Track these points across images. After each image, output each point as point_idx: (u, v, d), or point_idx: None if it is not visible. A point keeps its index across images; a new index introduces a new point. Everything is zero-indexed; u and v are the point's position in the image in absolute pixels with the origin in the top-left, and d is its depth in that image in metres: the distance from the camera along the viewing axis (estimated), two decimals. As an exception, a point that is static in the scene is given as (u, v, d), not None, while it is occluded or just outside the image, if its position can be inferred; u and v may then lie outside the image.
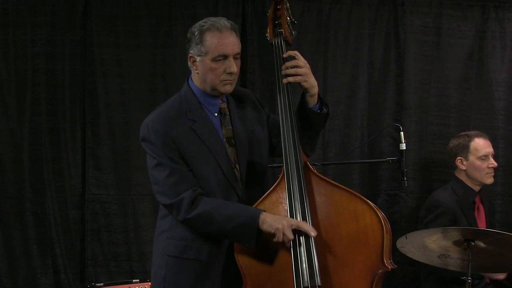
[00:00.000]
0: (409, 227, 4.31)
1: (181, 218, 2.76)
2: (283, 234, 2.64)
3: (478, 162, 4.20)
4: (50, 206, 4.38)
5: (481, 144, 4.21)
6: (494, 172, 4.23)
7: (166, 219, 2.86)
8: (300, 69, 2.80)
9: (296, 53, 2.84)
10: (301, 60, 2.82)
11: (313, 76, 2.83)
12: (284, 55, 2.85)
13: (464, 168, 4.24)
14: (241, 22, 4.52)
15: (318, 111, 2.88)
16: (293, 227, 2.66)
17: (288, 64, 2.81)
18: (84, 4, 4.43)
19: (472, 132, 4.28)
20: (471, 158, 4.21)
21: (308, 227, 2.66)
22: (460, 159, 4.25)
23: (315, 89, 2.84)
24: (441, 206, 4.15)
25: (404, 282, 4.64)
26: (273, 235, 2.66)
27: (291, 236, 2.65)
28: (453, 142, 4.29)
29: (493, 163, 4.20)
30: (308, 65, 2.83)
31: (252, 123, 2.94)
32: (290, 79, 2.81)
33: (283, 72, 2.82)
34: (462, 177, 4.25)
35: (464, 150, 4.23)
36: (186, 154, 2.78)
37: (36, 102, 4.39)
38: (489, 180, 4.22)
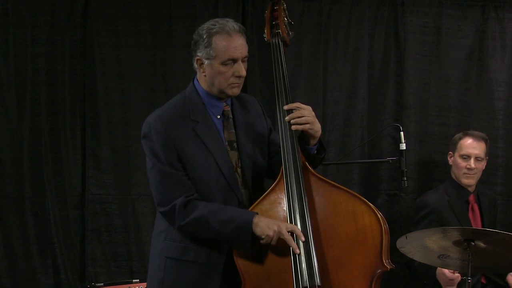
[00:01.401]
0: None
1: (176, 225, 2.77)
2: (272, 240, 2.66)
3: (458, 160, 4.21)
4: (50, 206, 4.39)
5: (466, 143, 4.21)
6: (472, 175, 4.19)
7: (164, 219, 2.85)
8: (309, 118, 2.79)
9: (299, 104, 2.82)
10: (306, 109, 2.81)
11: (317, 121, 2.83)
12: (285, 107, 2.82)
13: (450, 163, 4.29)
14: (241, 22, 4.50)
15: (315, 152, 2.88)
16: (282, 237, 2.65)
17: (293, 115, 2.78)
18: (84, 4, 4.43)
19: (471, 132, 4.29)
20: (456, 154, 4.23)
21: (299, 231, 2.66)
22: (450, 153, 4.30)
23: (318, 133, 2.84)
24: (427, 206, 4.17)
25: (404, 282, 4.64)
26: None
27: (274, 243, 2.67)
28: (453, 137, 4.33)
29: (470, 165, 4.17)
30: (312, 112, 2.82)
31: (255, 128, 2.94)
32: (299, 127, 2.79)
33: (292, 121, 2.79)
34: (452, 175, 4.28)
35: (454, 145, 4.26)
36: (186, 156, 2.77)
37: (36, 102, 4.40)
38: (465, 181, 4.20)
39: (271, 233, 2.66)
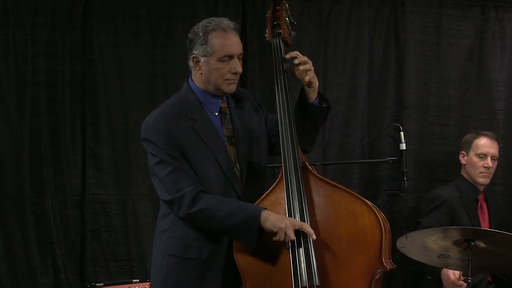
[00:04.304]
0: (409, 227, 4.30)
1: (182, 214, 2.76)
2: (285, 233, 2.64)
3: (475, 159, 4.23)
4: (50, 206, 4.38)
5: (483, 143, 4.24)
6: (489, 174, 4.23)
7: (166, 219, 2.86)
8: (309, 65, 2.83)
9: (297, 53, 2.86)
10: (305, 58, 2.85)
11: None
12: (287, 56, 2.85)
13: (464, 162, 4.30)
14: (241, 22, 4.52)
15: (319, 105, 2.90)
16: (296, 228, 2.66)
17: (300, 59, 2.83)
18: (84, 4, 4.43)
19: (484, 132, 4.32)
20: (471, 153, 4.25)
21: (310, 229, 2.66)
22: (462, 153, 4.31)
23: (317, 83, 2.87)
24: (439, 198, 4.20)
25: (404, 282, 4.64)
26: (274, 234, 2.66)
27: (293, 237, 2.65)
28: (464, 138, 4.35)
29: (488, 163, 4.19)
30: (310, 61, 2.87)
31: (251, 122, 2.95)
32: (308, 76, 2.82)
33: (300, 68, 2.82)
34: (465, 173, 4.29)
35: (468, 145, 4.28)
36: (187, 153, 2.78)
37: (36, 102, 4.39)
38: (481, 180, 4.23)
39: (282, 225, 2.65)
